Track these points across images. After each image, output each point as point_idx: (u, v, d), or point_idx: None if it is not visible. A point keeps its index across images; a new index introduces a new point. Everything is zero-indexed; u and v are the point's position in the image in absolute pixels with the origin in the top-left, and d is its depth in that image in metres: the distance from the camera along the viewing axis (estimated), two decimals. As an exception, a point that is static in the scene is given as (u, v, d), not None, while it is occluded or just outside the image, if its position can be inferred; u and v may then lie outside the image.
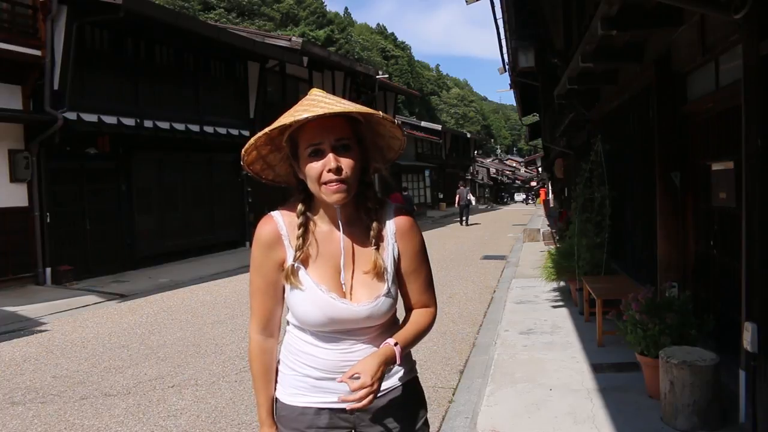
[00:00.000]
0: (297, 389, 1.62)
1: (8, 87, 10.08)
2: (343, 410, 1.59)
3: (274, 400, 1.68)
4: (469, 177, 48.99)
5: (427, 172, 36.37)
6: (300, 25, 62.42)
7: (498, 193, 61.11)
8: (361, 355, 1.54)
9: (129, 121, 12.06)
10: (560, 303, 7.55)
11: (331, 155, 1.47)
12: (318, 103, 1.47)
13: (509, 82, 15.89)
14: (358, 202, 1.59)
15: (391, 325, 1.64)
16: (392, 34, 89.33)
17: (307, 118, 1.43)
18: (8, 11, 9.87)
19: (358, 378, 1.44)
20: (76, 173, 11.51)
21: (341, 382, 1.47)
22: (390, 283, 1.59)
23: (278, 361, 1.69)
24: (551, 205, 22.51)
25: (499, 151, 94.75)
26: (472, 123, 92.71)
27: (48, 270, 10.62)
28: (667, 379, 3.56)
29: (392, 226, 1.62)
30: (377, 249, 1.59)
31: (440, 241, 17.15)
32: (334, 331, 1.57)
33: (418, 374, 1.74)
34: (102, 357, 5.98)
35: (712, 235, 4.49)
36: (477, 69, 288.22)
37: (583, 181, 7.34)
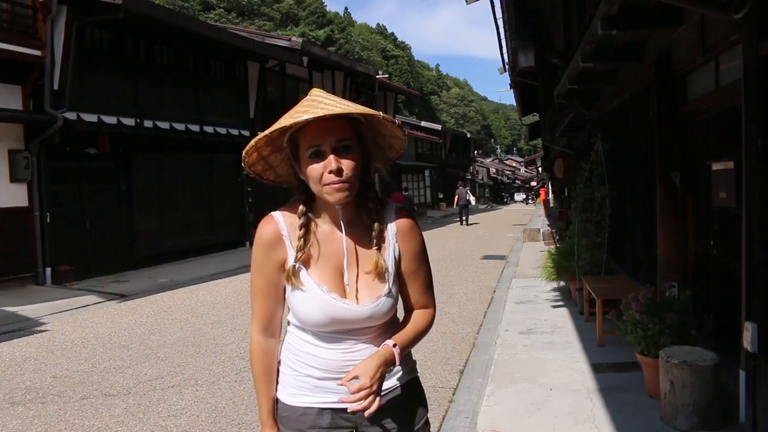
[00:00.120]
0: (298, 389, 1.62)
1: (8, 87, 10.08)
2: (345, 410, 1.59)
3: (275, 401, 1.67)
4: (469, 177, 48.99)
5: (427, 172, 36.38)
6: (300, 25, 62.44)
7: (498, 193, 61.12)
8: (363, 355, 1.54)
9: (129, 121, 12.06)
10: (560, 303, 7.55)
11: (331, 156, 1.47)
12: (318, 104, 1.47)
13: (509, 81, 15.89)
14: (359, 203, 1.59)
15: (391, 325, 1.64)
16: (392, 34, 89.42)
17: (307, 119, 1.43)
18: (8, 11, 9.87)
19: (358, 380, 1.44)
20: (76, 173, 11.51)
21: (341, 385, 1.47)
22: (391, 284, 1.59)
23: (279, 362, 1.69)
24: (551, 205, 22.50)
25: (499, 150, 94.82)
26: (472, 123, 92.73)
27: (48, 270, 10.62)
28: (667, 379, 3.56)
29: (393, 227, 1.63)
30: (378, 249, 1.59)
31: (440, 241, 17.15)
32: (336, 331, 1.58)
33: (418, 374, 1.74)
34: (102, 357, 5.98)
35: (712, 235, 4.49)
36: (477, 69, 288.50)
37: (583, 180, 7.34)
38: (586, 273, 6.70)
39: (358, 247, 1.60)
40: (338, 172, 1.46)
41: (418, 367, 1.76)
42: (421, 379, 1.76)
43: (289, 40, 17.61)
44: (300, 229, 1.57)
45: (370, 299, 1.56)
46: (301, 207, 1.59)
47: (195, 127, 13.78)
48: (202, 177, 14.75)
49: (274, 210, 1.64)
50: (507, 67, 13.65)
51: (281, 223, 1.60)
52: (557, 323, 6.49)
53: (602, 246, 6.78)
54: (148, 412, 4.42)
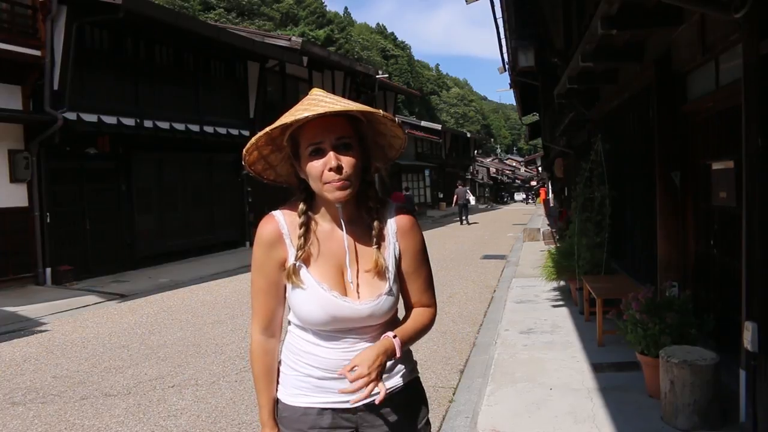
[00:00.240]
0: (299, 389, 1.62)
1: (8, 87, 10.09)
2: (345, 410, 1.59)
3: (276, 401, 1.67)
4: (469, 176, 48.99)
5: (427, 172, 36.38)
6: (300, 25, 62.47)
7: (498, 193, 61.10)
8: None
9: (129, 121, 12.06)
10: (560, 302, 7.55)
11: (332, 154, 1.47)
12: (319, 102, 1.47)
13: (509, 81, 15.89)
14: (359, 201, 1.59)
15: (392, 324, 1.64)
16: (392, 33, 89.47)
17: (307, 117, 1.43)
18: (8, 11, 9.87)
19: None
20: (76, 173, 11.51)
21: (340, 375, 1.47)
22: (391, 282, 1.59)
23: (280, 362, 1.69)
24: (551, 205, 22.50)
25: (499, 150, 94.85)
26: (472, 122, 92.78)
27: (48, 270, 10.62)
28: (667, 378, 3.56)
29: (393, 225, 1.63)
30: (378, 248, 1.59)
31: (440, 240, 17.15)
32: (336, 330, 1.57)
33: (419, 375, 1.74)
34: (102, 357, 5.98)
35: (712, 235, 4.49)
36: (477, 68, 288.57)
37: (583, 180, 7.34)
38: (586, 273, 6.70)
39: (358, 245, 1.60)
40: (338, 169, 1.46)
41: (418, 367, 1.76)
42: (421, 379, 1.76)
43: (289, 39, 17.62)
44: (300, 228, 1.57)
45: (371, 297, 1.56)
46: (301, 206, 1.59)
47: (195, 127, 13.78)
48: (202, 177, 14.75)
49: (275, 210, 1.64)
50: (507, 66, 13.65)
51: (281, 222, 1.60)
52: (557, 323, 6.49)
53: (602, 246, 6.78)
54: (149, 412, 4.42)
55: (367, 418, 1.60)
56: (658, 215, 4.99)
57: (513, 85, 15.72)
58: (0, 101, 9.86)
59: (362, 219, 1.61)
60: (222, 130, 14.62)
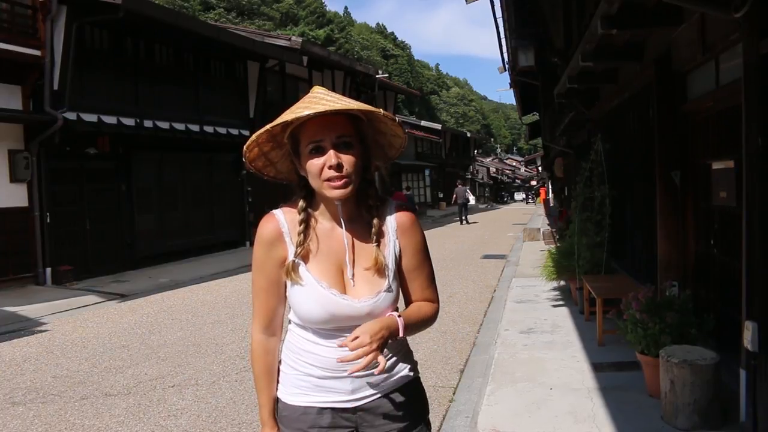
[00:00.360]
0: (299, 389, 1.62)
1: (8, 87, 10.09)
2: (345, 410, 1.59)
3: (276, 400, 1.67)
4: (469, 176, 49.00)
5: (427, 172, 36.38)
6: (300, 25, 62.49)
7: (498, 193, 61.09)
8: None
9: (129, 121, 12.06)
10: (560, 302, 7.55)
11: (332, 152, 1.47)
12: (320, 100, 1.47)
13: (509, 81, 15.90)
14: (359, 200, 1.60)
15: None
16: (392, 33, 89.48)
17: (308, 115, 1.43)
18: (8, 11, 9.87)
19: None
20: (76, 173, 11.51)
21: (342, 346, 1.45)
22: (391, 279, 1.59)
23: (280, 361, 1.69)
24: (551, 204, 22.51)
25: (499, 150, 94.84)
26: (472, 122, 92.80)
27: (48, 270, 10.62)
28: (667, 378, 3.56)
29: (393, 223, 1.63)
30: (378, 245, 1.59)
31: (440, 240, 17.15)
32: (335, 329, 1.57)
33: (420, 375, 1.74)
34: (102, 357, 5.98)
35: (712, 235, 4.49)
36: (477, 68, 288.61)
37: (583, 180, 7.34)
38: (586, 272, 6.70)
39: (357, 243, 1.60)
40: (338, 167, 1.47)
41: (418, 366, 1.76)
42: (421, 379, 1.75)
43: (289, 39, 17.62)
44: (300, 225, 1.58)
45: (370, 295, 1.56)
46: (301, 203, 1.59)
47: (195, 127, 13.78)
48: (202, 177, 14.76)
49: (275, 209, 1.64)
50: (507, 66, 13.65)
51: (282, 220, 1.60)
52: (557, 322, 6.49)
53: (602, 245, 6.78)
54: (149, 412, 4.42)
55: (367, 418, 1.60)
56: (658, 215, 4.99)
57: (513, 84, 15.72)
58: (0, 101, 9.86)
59: (362, 217, 1.61)
60: (222, 130, 14.61)
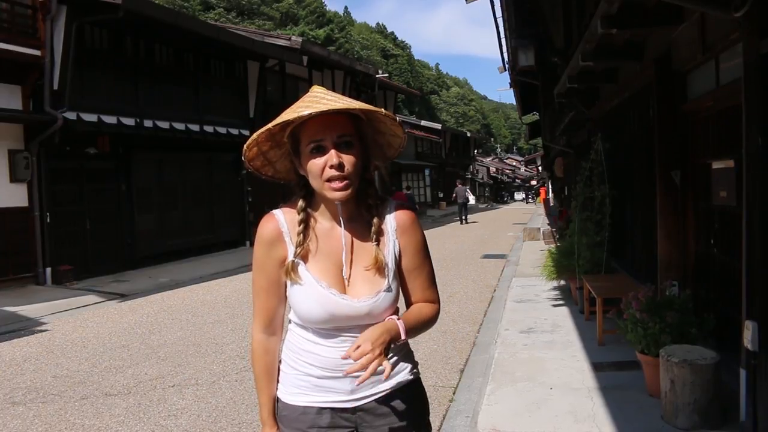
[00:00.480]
0: (298, 388, 1.61)
1: (8, 87, 10.09)
2: (344, 410, 1.59)
3: (276, 400, 1.67)
4: (469, 176, 49.00)
5: (427, 171, 36.38)
6: (299, 25, 62.48)
7: (498, 192, 61.09)
8: None
9: (129, 121, 12.06)
10: (560, 302, 7.55)
11: (333, 151, 1.47)
12: (320, 100, 1.47)
13: (509, 80, 15.89)
14: (359, 199, 1.59)
15: (392, 322, 1.64)
16: (392, 33, 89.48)
17: (309, 114, 1.43)
18: (8, 11, 9.87)
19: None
20: (76, 173, 11.51)
21: (346, 357, 1.45)
22: (390, 279, 1.58)
23: (280, 361, 1.69)
24: (551, 204, 22.51)
25: (499, 150, 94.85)
26: (472, 122, 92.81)
27: (48, 270, 10.62)
28: (667, 377, 3.56)
29: (393, 223, 1.63)
30: (378, 245, 1.59)
31: (440, 240, 17.15)
32: (335, 328, 1.57)
33: (420, 375, 1.74)
34: (102, 357, 5.98)
35: (712, 234, 4.49)
36: (477, 68, 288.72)
37: (584, 179, 7.34)
38: (586, 272, 6.70)
39: (357, 242, 1.59)
40: (339, 167, 1.46)
41: (418, 366, 1.75)
42: (421, 379, 1.75)
43: (289, 39, 17.61)
44: (299, 225, 1.57)
45: (369, 295, 1.55)
46: (300, 203, 1.59)
47: (195, 127, 13.78)
48: (202, 176, 14.76)
49: (275, 209, 1.64)
50: (507, 66, 13.65)
51: (281, 220, 1.60)
52: (557, 322, 6.49)
53: (602, 245, 6.78)
54: (149, 412, 4.42)
55: (366, 418, 1.60)
56: (658, 214, 4.99)
57: (513, 84, 15.72)
58: (0, 101, 9.85)
59: (362, 216, 1.61)
60: (222, 130, 14.61)
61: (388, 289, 1.57)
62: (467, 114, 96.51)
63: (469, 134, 51.72)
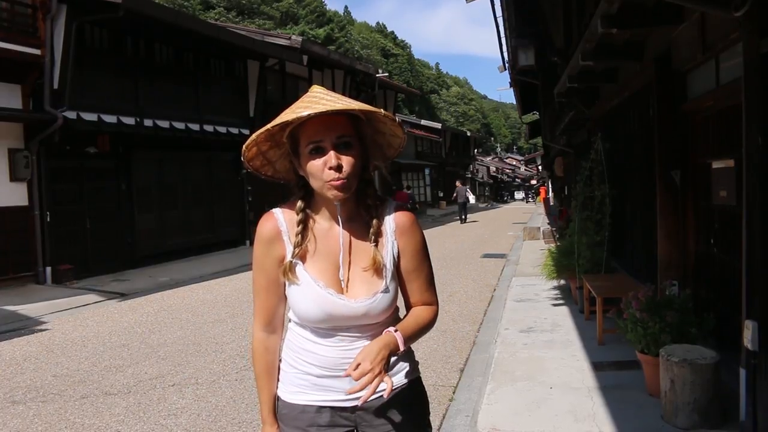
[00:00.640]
0: (298, 387, 1.62)
1: (8, 86, 10.08)
2: (343, 408, 1.59)
3: (276, 399, 1.68)
4: (469, 175, 49.00)
5: (427, 171, 36.39)
6: (300, 24, 62.44)
7: (498, 192, 61.11)
8: None
9: (129, 120, 12.06)
10: (560, 301, 7.55)
11: (332, 152, 1.46)
12: (320, 100, 1.46)
13: (509, 80, 15.90)
14: (358, 199, 1.59)
15: (392, 323, 1.63)
16: (392, 32, 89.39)
17: (309, 115, 1.42)
18: (8, 10, 9.86)
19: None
20: (76, 172, 11.51)
21: (347, 376, 1.45)
22: (388, 280, 1.58)
23: (280, 359, 1.69)
24: (551, 204, 22.53)
25: (499, 149, 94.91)
26: (472, 121, 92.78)
27: (48, 269, 10.62)
28: (667, 377, 3.56)
29: (392, 224, 1.62)
30: (376, 246, 1.58)
31: (440, 239, 17.15)
32: (333, 328, 1.57)
33: (420, 375, 1.74)
34: (102, 356, 5.98)
35: (712, 234, 4.49)
36: (477, 67, 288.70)
37: (583, 179, 7.34)
38: (586, 271, 6.70)
39: (356, 243, 1.59)
40: (338, 168, 1.46)
41: (418, 366, 1.75)
42: (421, 378, 1.75)
43: (289, 38, 17.60)
44: (298, 225, 1.57)
45: (366, 295, 1.55)
46: (299, 203, 1.59)
47: (195, 126, 13.78)
48: (202, 176, 14.76)
49: (274, 208, 1.64)
50: (507, 65, 13.65)
51: (280, 219, 1.60)
52: (557, 322, 6.49)
53: (602, 244, 6.79)
54: (149, 411, 4.42)
55: (366, 417, 1.60)
56: (658, 214, 4.99)
57: (513, 83, 15.72)
58: (0, 100, 9.85)
59: (361, 217, 1.60)
60: (222, 129, 14.61)
61: (386, 290, 1.57)
62: (467, 113, 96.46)
63: (469, 133, 51.71)
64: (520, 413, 3.98)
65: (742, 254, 3.32)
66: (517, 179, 70.66)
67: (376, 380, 1.41)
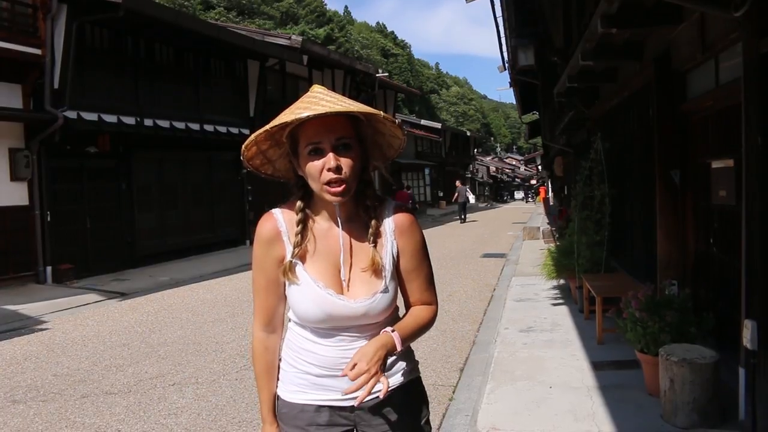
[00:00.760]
0: (297, 386, 1.62)
1: (8, 86, 10.08)
2: (342, 408, 1.59)
3: (276, 398, 1.68)
4: (469, 175, 49.00)
5: (427, 171, 36.39)
6: (300, 24, 62.43)
7: (498, 192, 61.11)
8: None
9: (129, 120, 12.06)
10: (560, 301, 7.55)
11: (331, 154, 1.46)
12: (320, 101, 1.46)
13: (509, 80, 15.90)
14: (357, 200, 1.59)
15: (391, 323, 1.63)
16: (392, 32, 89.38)
17: (307, 116, 1.42)
18: (8, 10, 9.86)
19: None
20: (77, 172, 11.52)
21: (344, 376, 1.46)
22: (388, 280, 1.58)
23: (280, 359, 1.69)
24: (551, 203, 22.54)
25: (498, 149, 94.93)
26: (472, 121, 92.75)
27: (48, 268, 10.63)
28: (666, 376, 3.57)
29: (391, 224, 1.62)
30: (375, 246, 1.59)
31: (440, 239, 17.16)
32: (333, 328, 1.58)
33: (420, 374, 1.74)
34: (103, 355, 5.99)
35: (711, 233, 4.49)
36: (477, 67, 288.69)
37: (583, 179, 7.34)
38: (585, 271, 6.71)
39: (355, 243, 1.59)
40: (337, 170, 1.46)
41: (418, 366, 1.76)
42: (421, 378, 1.75)
43: (289, 38, 17.60)
44: (297, 225, 1.57)
45: (366, 296, 1.56)
46: (299, 203, 1.59)
47: (195, 126, 13.78)
48: (202, 175, 14.76)
49: (274, 208, 1.65)
50: (507, 65, 13.65)
51: (280, 219, 1.60)
52: (557, 321, 6.50)
53: (602, 244, 6.79)
54: (149, 410, 4.43)
55: (365, 417, 1.60)
56: (658, 214, 4.99)
57: (513, 83, 15.73)
58: (0, 100, 9.86)
59: (360, 217, 1.61)
60: (222, 129, 14.62)
61: (385, 290, 1.58)
62: (467, 113, 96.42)
63: (468, 133, 51.71)
64: (520, 413, 3.98)
65: (741, 254, 3.33)
66: (516, 179, 70.66)
67: (372, 380, 1.42)
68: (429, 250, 1.70)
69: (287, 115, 1.45)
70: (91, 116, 11.17)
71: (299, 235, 1.57)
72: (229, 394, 4.72)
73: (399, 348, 1.52)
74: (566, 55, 8.08)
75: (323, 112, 1.41)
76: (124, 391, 4.87)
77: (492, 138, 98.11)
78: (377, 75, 23.28)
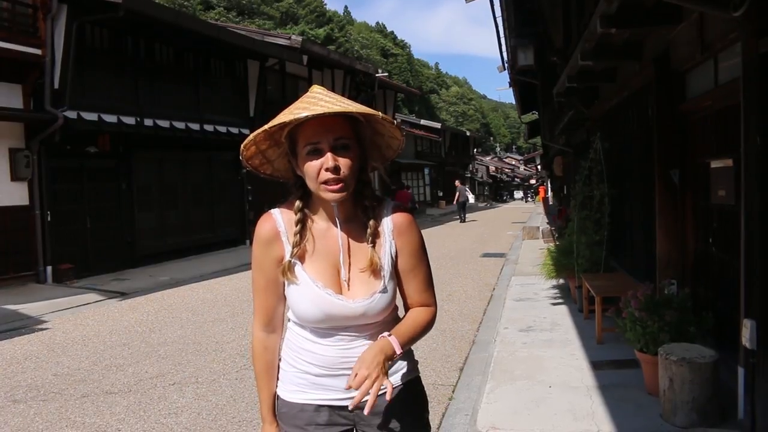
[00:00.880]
0: (297, 386, 1.63)
1: (8, 86, 10.09)
2: (342, 408, 1.60)
3: (276, 397, 1.69)
4: (469, 175, 49.00)
5: (426, 170, 36.39)
6: (299, 24, 62.46)
7: (497, 191, 61.12)
8: (360, 352, 1.53)
9: (129, 120, 12.07)
10: (559, 300, 7.56)
11: (329, 155, 1.47)
12: (318, 101, 1.46)
13: (508, 80, 15.88)
14: (356, 200, 1.60)
15: (391, 323, 1.64)
16: (392, 32, 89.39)
17: (306, 117, 1.43)
18: (8, 10, 9.87)
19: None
20: (77, 172, 11.52)
21: (349, 388, 1.46)
22: (386, 281, 1.58)
23: (280, 358, 1.70)
24: (550, 203, 22.55)
25: (498, 149, 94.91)
26: (472, 121, 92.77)
27: (49, 268, 10.63)
28: (666, 376, 3.57)
29: (390, 224, 1.62)
30: (374, 246, 1.59)
31: (439, 238, 17.16)
32: (332, 328, 1.58)
33: (419, 374, 1.74)
34: (103, 355, 5.99)
35: (711, 233, 4.50)
36: (476, 67, 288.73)
37: (583, 178, 7.34)
38: (585, 271, 6.71)
39: (353, 243, 1.60)
40: (335, 170, 1.46)
41: (418, 365, 1.76)
42: (421, 377, 1.76)
43: (289, 38, 17.61)
44: (296, 225, 1.58)
45: (364, 296, 1.56)
46: (297, 203, 1.59)
47: (195, 126, 13.79)
48: (202, 175, 14.77)
49: (273, 208, 1.65)
50: (506, 65, 13.65)
51: (279, 219, 1.61)
52: (556, 321, 6.50)
53: (601, 244, 6.80)
54: (149, 410, 4.43)
55: (364, 416, 1.60)
56: (657, 213, 5.00)
57: (512, 83, 15.71)
58: (1, 99, 9.86)
59: (359, 217, 1.61)
60: (222, 129, 14.63)
61: (384, 290, 1.58)
62: (467, 113, 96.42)
63: (468, 133, 51.70)
64: (520, 412, 3.99)
65: (740, 253, 3.34)
66: (516, 179, 70.68)
67: (376, 385, 1.42)
68: (428, 250, 1.70)
69: (286, 115, 1.45)
70: (91, 116, 11.18)
71: (298, 235, 1.57)
72: (229, 393, 4.72)
73: (398, 352, 1.52)
74: (566, 55, 8.09)
75: (322, 112, 1.41)
76: (125, 391, 4.88)
77: (491, 138, 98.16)
78: (377, 75, 23.29)
